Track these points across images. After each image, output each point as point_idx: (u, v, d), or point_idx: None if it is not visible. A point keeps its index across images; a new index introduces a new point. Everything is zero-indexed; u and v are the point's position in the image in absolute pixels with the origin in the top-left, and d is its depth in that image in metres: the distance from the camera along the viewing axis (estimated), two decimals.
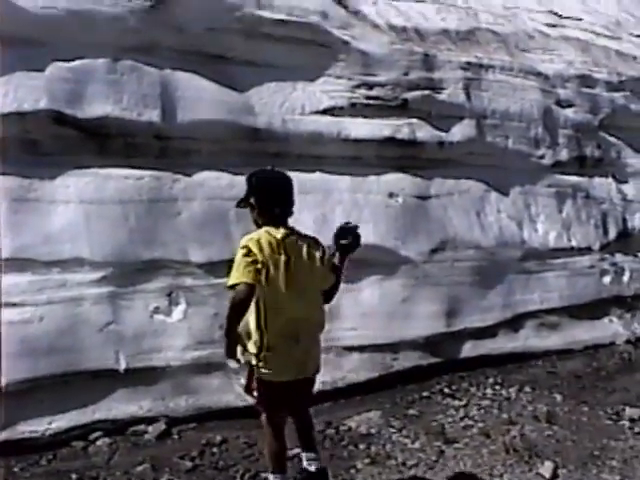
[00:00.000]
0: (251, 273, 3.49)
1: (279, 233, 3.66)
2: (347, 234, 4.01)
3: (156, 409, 5.33)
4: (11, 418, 4.86)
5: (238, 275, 3.50)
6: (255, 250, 3.54)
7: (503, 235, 7.60)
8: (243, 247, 3.57)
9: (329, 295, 4.02)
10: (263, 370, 3.70)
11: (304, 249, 3.76)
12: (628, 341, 8.00)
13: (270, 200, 3.76)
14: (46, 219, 5.33)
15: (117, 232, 5.50)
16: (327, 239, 6.18)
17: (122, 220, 5.54)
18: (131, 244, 5.51)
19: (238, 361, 3.70)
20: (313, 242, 3.87)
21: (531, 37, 9.52)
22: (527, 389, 6.35)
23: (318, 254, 3.84)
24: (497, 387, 6.43)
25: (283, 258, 3.61)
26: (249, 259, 3.52)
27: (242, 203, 3.87)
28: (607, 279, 8.48)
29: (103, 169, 5.61)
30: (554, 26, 10.23)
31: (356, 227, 4.04)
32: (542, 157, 8.36)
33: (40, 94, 5.41)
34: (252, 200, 3.80)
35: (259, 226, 3.75)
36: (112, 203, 5.54)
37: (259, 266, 3.53)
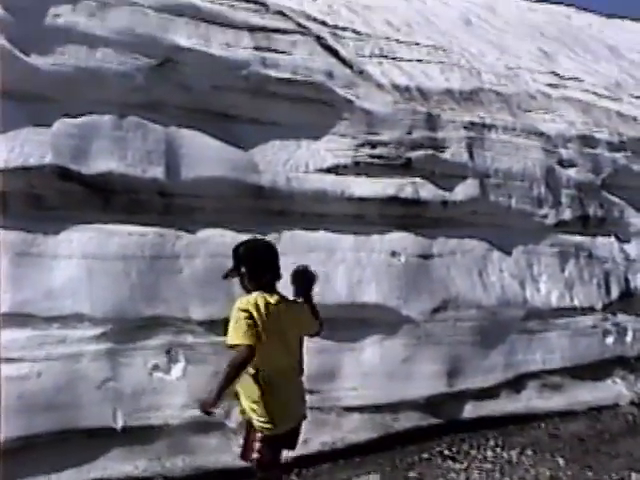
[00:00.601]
0: (253, 336, 3.62)
1: (273, 298, 3.82)
2: (301, 278, 4.15)
3: (152, 469, 5.24)
4: (7, 475, 4.77)
5: (240, 336, 3.62)
6: (255, 314, 3.68)
7: (505, 294, 7.58)
8: (244, 310, 3.69)
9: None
10: (265, 425, 3.80)
11: (293, 311, 3.97)
12: (632, 402, 7.91)
13: (261, 267, 3.92)
14: (48, 274, 5.32)
15: (119, 288, 5.48)
16: (330, 298, 6.25)
17: (124, 276, 5.53)
18: (132, 300, 5.50)
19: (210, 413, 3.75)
20: (298, 306, 4.08)
21: (533, 97, 9.63)
22: (529, 452, 6.27)
23: (303, 315, 4.08)
24: (498, 449, 6.35)
25: (278, 321, 3.78)
26: (250, 321, 3.65)
27: (232, 273, 4.02)
28: (610, 339, 8.42)
29: (107, 225, 5.62)
30: (556, 87, 10.37)
31: (306, 268, 4.17)
32: (545, 216, 8.38)
33: (46, 149, 5.45)
34: (243, 269, 3.93)
35: (249, 292, 3.87)
36: (114, 259, 5.54)
37: (259, 329, 3.67)
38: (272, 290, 3.89)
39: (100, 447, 5.15)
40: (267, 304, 3.76)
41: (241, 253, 3.98)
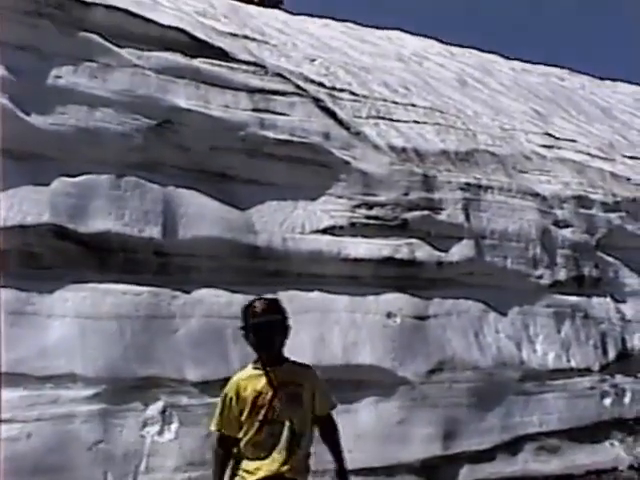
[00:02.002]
0: (222, 422, 3.86)
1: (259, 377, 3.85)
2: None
3: None
4: None
5: (213, 421, 3.92)
6: (232, 395, 3.84)
7: (501, 356, 7.54)
8: (225, 393, 3.88)
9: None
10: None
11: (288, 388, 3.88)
12: (631, 466, 7.80)
13: (258, 345, 3.90)
14: (42, 333, 5.29)
15: (112, 348, 5.45)
16: (325, 359, 6.22)
17: (118, 336, 5.50)
18: (126, 360, 5.45)
19: None
20: (302, 376, 3.98)
21: (528, 158, 9.73)
22: None
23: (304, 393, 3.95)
24: None
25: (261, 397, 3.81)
26: (225, 405, 3.86)
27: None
28: (608, 401, 8.34)
29: (102, 284, 5.61)
30: (550, 147, 10.49)
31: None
32: (540, 277, 8.39)
33: (44, 208, 5.49)
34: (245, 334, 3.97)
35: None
36: (108, 319, 5.52)
37: (233, 414, 3.82)
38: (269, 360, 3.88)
39: None
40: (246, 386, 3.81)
41: (245, 318, 4.01)
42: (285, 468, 3.76)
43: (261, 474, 3.73)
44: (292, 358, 4.10)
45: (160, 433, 5.45)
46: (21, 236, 5.38)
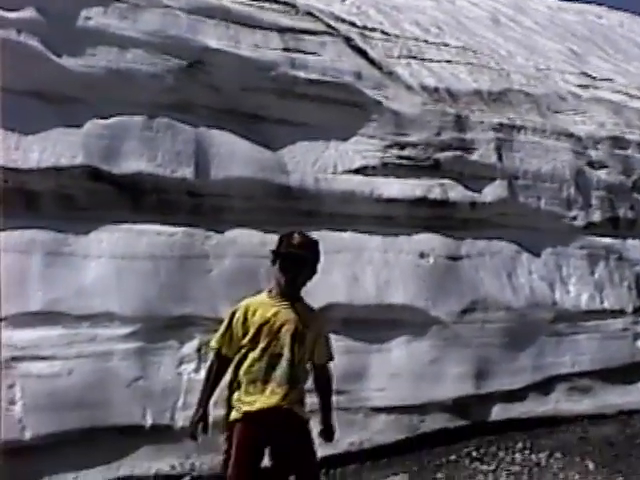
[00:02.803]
0: (221, 340, 3.80)
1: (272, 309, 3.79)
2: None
3: (181, 467, 5.27)
4: (37, 472, 4.83)
5: (214, 338, 3.85)
6: (240, 316, 3.78)
7: (534, 297, 7.52)
8: (232, 313, 3.82)
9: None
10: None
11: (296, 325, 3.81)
12: None
13: (282, 275, 3.80)
14: (78, 273, 5.38)
15: (148, 288, 5.53)
16: (358, 299, 6.25)
17: (153, 276, 5.58)
18: (161, 300, 5.53)
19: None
20: (311, 319, 3.90)
21: (563, 99, 9.56)
22: (558, 455, 6.20)
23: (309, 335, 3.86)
24: (527, 452, 6.29)
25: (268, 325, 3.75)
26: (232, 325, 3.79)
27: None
28: None
29: (136, 225, 5.68)
30: (586, 87, 10.29)
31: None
32: (574, 218, 8.31)
33: (77, 150, 5.52)
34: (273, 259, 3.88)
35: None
36: (144, 259, 5.59)
37: (239, 336, 3.76)
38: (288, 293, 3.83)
39: (129, 445, 5.18)
40: (255, 311, 3.76)
41: (278, 245, 3.92)
42: (284, 402, 3.70)
43: (257, 405, 3.67)
44: (306, 301, 4.00)
45: (196, 370, 5.54)
46: (55, 178, 5.44)
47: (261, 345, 3.72)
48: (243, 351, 3.75)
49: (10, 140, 5.31)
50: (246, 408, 3.69)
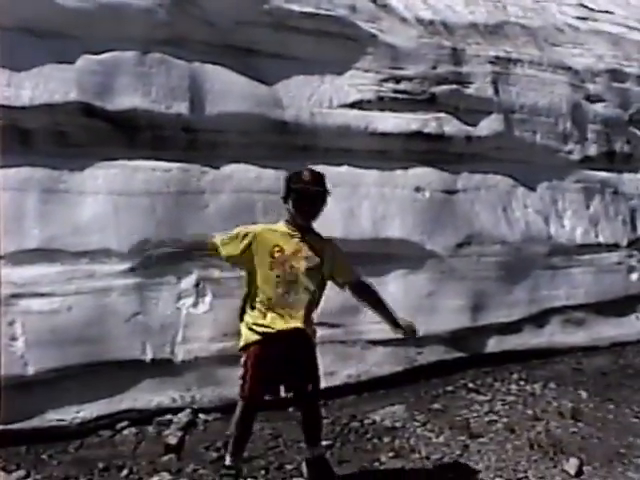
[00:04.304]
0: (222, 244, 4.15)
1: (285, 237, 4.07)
2: None
3: (181, 400, 5.37)
4: (39, 406, 4.92)
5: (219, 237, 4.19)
6: (250, 234, 4.07)
7: (530, 230, 7.56)
8: (240, 229, 4.14)
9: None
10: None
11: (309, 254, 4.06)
12: None
13: (297, 210, 4.07)
14: (75, 210, 5.39)
15: (144, 224, 5.54)
16: (355, 233, 6.28)
17: (150, 212, 5.58)
18: (158, 236, 5.55)
19: None
20: (323, 248, 4.15)
21: (561, 31, 9.44)
22: (552, 385, 6.32)
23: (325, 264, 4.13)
24: (522, 383, 6.41)
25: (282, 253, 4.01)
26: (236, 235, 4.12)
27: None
28: (635, 276, 8.40)
29: (131, 161, 5.66)
30: (584, 19, 10.14)
31: None
32: (570, 152, 8.30)
33: (70, 86, 5.47)
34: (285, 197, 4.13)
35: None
36: (140, 195, 5.59)
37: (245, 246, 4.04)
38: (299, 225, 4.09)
39: (130, 379, 5.27)
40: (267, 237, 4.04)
41: (287, 185, 4.17)
42: (301, 324, 3.98)
43: (278, 327, 3.94)
44: (317, 230, 4.24)
45: (194, 305, 5.60)
46: (49, 115, 5.40)
47: (276, 272, 3.97)
48: (256, 277, 4.01)
49: (1, 77, 5.25)
50: (265, 330, 3.95)
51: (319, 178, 4.12)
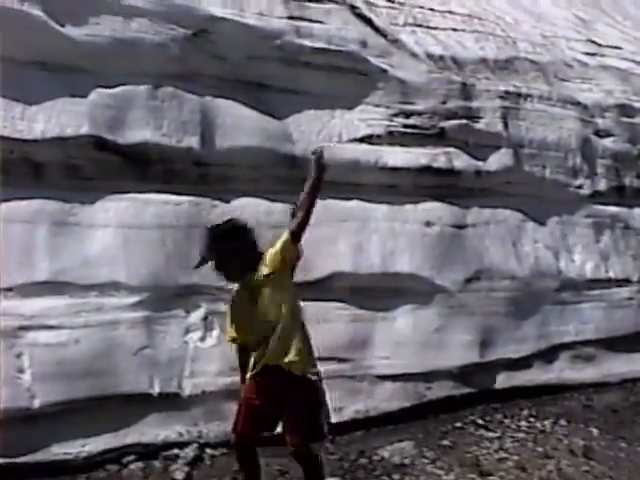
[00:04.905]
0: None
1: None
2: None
3: (188, 434, 5.33)
4: (45, 440, 4.89)
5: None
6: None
7: (539, 265, 7.54)
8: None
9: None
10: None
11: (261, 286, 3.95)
12: None
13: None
14: (85, 243, 5.40)
15: (154, 257, 5.55)
16: (364, 267, 6.27)
17: (160, 245, 5.60)
18: (167, 269, 5.56)
19: None
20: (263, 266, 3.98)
21: (570, 66, 9.49)
22: (562, 422, 6.27)
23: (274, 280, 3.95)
24: (532, 419, 6.36)
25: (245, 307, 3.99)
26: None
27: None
28: None
29: (142, 194, 5.68)
30: (593, 55, 10.19)
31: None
32: (580, 187, 8.30)
33: (82, 120, 5.50)
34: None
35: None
36: (150, 228, 5.60)
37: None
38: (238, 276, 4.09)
39: (137, 413, 5.24)
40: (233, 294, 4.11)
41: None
42: (280, 360, 3.83)
43: (258, 366, 3.89)
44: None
45: (202, 339, 5.59)
46: (61, 148, 5.43)
47: (241, 322, 3.99)
48: (236, 332, 4.07)
49: (15, 110, 5.29)
50: (250, 372, 3.95)
51: (219, 236, 4.00)
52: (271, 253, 3.93)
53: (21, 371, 4.92)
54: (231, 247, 3.93)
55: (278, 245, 3.93)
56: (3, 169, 5.13)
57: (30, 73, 5.41)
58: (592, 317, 7.84)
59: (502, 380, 6.94)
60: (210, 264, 4.01)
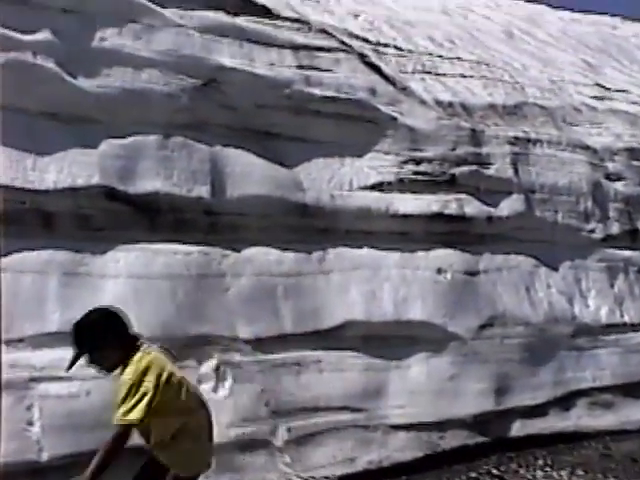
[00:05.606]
0: None
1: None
2: None
3: None
4: None
5: None
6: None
7: (553, 311, 7.48)
8: None
9: None
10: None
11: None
12: None
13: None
14: (95, 293, 5.37)
15: (165, 307, 5.52)
16: (376, 315, 6.22)
17: (170, 295, 5.57)
18: (179, 319, 5.52)
19: None
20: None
21: (578, 110, 9.54)
22: (579, 472, 6.14)
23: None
24: (548, 469, 6.24)
25: None
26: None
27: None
28: None
29: (153, 244, 5.67)
30: (601, 99, 10.26)
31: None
32: (592, 231, 8.27)
33: (93, 170, 5.53)
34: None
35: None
36: (161, 278, 5.58)
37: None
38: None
39: None
40: None
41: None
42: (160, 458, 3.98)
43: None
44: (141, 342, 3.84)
45: (214, 390, 5.52)
46: (72, 198, 5.44)
47: None
48: None
49: (27, 161, 5.32)
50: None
51: (80, 329, 3.80)
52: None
53: (30, 423, 4.85)
54: (100, 336, 3.74)
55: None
56: (15, 219, 5.13)
57: (42, 124, 5.46)
58: (609, 363, 7.75)
59: (517, 428, 6.83)
60: (84, 358, 3.78)
